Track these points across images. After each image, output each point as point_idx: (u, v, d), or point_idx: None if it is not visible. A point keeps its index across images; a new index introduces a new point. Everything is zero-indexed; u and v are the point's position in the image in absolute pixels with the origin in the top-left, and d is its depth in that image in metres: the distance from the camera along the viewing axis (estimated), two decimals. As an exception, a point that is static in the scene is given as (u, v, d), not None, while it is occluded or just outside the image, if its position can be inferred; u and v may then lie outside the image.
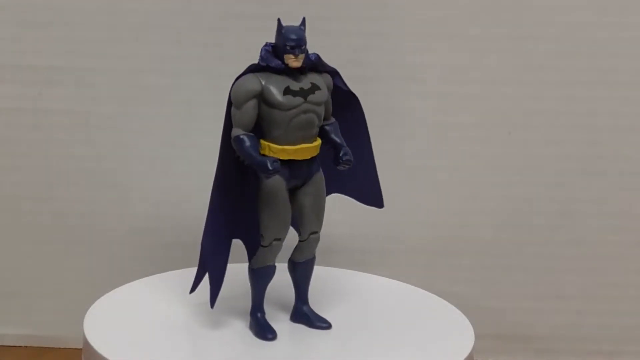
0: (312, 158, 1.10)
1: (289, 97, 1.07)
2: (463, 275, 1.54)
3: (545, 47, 1.47)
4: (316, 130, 1.09)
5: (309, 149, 1.09)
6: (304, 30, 1.08)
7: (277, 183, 1.09)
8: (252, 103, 1.07)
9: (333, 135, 1.10)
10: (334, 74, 1.12)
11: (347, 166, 1.09)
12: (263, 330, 1.13)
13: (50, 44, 1.49)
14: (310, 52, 1.09)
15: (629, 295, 1.55)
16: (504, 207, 1.52)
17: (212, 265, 1.11)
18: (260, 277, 1.13)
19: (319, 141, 1.10)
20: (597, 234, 1.53)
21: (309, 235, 1.12)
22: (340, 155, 1.09)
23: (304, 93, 1.07)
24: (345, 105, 1.15)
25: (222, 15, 1.47)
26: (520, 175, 1.51)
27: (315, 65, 1.09)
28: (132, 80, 1.50)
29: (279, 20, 1.09)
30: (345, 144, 1.10)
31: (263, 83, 1.07)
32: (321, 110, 1.09)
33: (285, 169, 1.08)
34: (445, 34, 1.47)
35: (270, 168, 1.04)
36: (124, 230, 1.54)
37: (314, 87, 1.08)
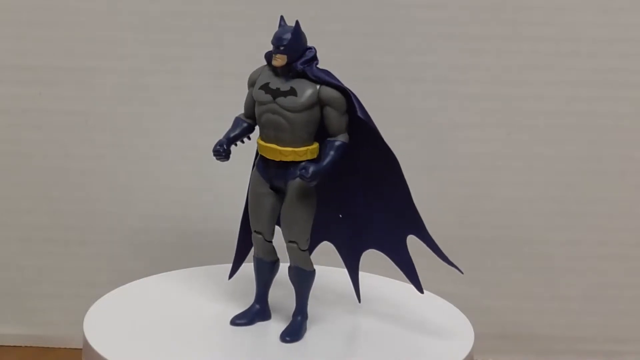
0: (291, 163, 1.08)
1: (262, 92, 1.08)
2: (463, 275, 1.54)
3: (545, 47, 1.47)
4: (292, 136, 1.07)
5: (275, 150, 1.08)
6: (292, 33, 1.07)
7: (255, 176, 1.12)
8: (250, 91, 1.12)
9: (324, 150, 1.07)
10: (343, 91, 1.07)
11: (302, 179, 1.06)
12: (239, 314, 1.15)
13: (50, 44, 1.49)
14: (316, 54, 1.08)
15: (629, 295, 1.55)
16: (504, 207, 1.52)
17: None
18: (254, 266, 1.15)
19: (296, 149, 1.08)
20: (597, 234, 1.53)
21: (287, 243, 1.11)
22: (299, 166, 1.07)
23: (276, 93, 1.07)
24: (372, 145, 1.11)
25: (222, 15, 1.48)
26: (520, 175, 1.52)
27: (306, 73, 1.07)
28: (132, 80, 1.50)
29: (281, 17, 1.09)
30: (323, 162, 1.06)
31: (259, 74, 1.10)
32: (295, 117, 1.07)
33: (265, 165, 1.10)
34: (445, 34, 1.47)
35: (213, 149, 1.11)
36: (124, 230, 1.54)
37: (291, 92, 1.07)
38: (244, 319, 1.15)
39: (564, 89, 1.49)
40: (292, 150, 1.08)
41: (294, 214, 1.09)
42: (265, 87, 1.08)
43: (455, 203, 1.52)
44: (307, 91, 1.07)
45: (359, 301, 1.21)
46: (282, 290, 1.17)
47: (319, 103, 1.07)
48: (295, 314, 1.13)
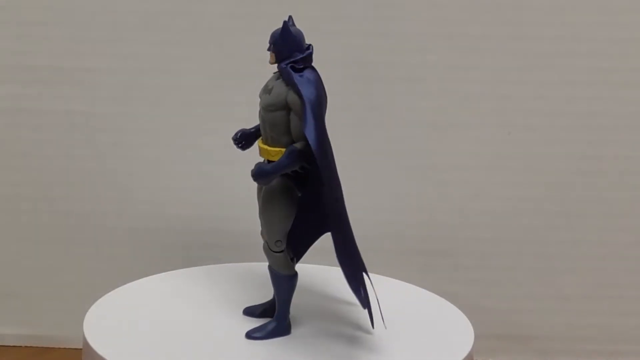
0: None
1: (261, 90, 1.10)
2: (463, 275, 1.54)
3: (545, 47, 1.47)
4: (266, 134, 1.09)
5: (261, 147, 1.10)
6: (279, 31, 1.07)
7: None
8: None
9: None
10: (300, 96, 1.05)
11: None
12: (253, 305, 1.18)
13: (50, 44, 1.49)
14: (307, 57, 1.07)
15: (629, 295, 1.55)
16: (504, 207, 1.52)
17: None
18: None
19: (269, 148, 1.08)
20: (597, 234, 1.53)
21: (264, 241, 1.12)
22: None
23: (264, 90, 1.09)
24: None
25: (222, 15, 1.48)
26: (520, 175, 1.52)
27: (282, 74, 1.08)
28: (132, 80, 1.50)
29: (289, 17, 1.09)
30: (272, 164, 1.06)
31: None
32: (267, 116, 1.08)
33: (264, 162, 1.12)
34: (445, 34, 1.47)
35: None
36: (124, 230, 1.54)
37: (268, 91, 1.08)
38: (254, 311, 1.16)
39: (564, 89, 1.49)
40: (265, 148, 1.09)
41: (262, 214, 1.11)
42: (265, 84, 1.10)
43: (455, 203, 1.52)
44: (278, 92, 1.07)
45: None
46: (308, 295, 1.17)
47: (288, 106, 1.07)
48: (274, 315, 1.14)
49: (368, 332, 1.14)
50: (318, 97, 1.05)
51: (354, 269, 1.08)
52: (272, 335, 1.12)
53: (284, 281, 1.12)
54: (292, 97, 1.06)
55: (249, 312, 1.18)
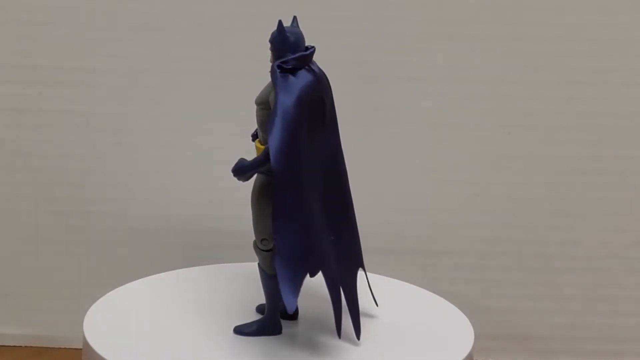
0: None
1: None
2: (463, 275, 1.54)
3: (545, 47, 1.47)
4: (262, 133, 1.09)
5: (256, 146, 1.11)
6: (276, 32, 1.07)
7: None
8: None
9: None
10: (275, 100, 1.05)
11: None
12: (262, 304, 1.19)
13: (50, 44, 1.49)
14: (298, 60, 1.06)
15: (629, 295, 1.55)
16: (504, 207, 1.52)
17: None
18: None
19: (259, 146, 1.09)
20: (597, 234, 1.53)
21: None
22: None
23: None
24: None
25: (222, 15, 1.48)
26: (520, 175, 1.51)
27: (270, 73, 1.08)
28: (132, 80, 1.50)
29: (294, 18, 1.09)
30: (253, 161, 1.07)
31: None
32: (259, 114, 1.09)
33: None
34: (445, 34, 1.47)
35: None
36: (124, 230, 1.54)
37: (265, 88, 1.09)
38: (264, 308, 1.16)
39: (564, 89, 1.49)
40: (258, 147, 1.10)
41: (252, 211, 1.11)
42: None
43: (455, 203, 1.52)
44: (266, 91, 1.08)
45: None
46: (305, 295, 1.17)
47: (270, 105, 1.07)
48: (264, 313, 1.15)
49: (367, 332, 1.14)
50: (297, 103, 1.03)
51: (290, 272, 1.04)
52: (259, 333, 1.13)
53: (271, 280, 1.11)
54: (272, 96, 1.06)
55: (261, 309, 1.18)
